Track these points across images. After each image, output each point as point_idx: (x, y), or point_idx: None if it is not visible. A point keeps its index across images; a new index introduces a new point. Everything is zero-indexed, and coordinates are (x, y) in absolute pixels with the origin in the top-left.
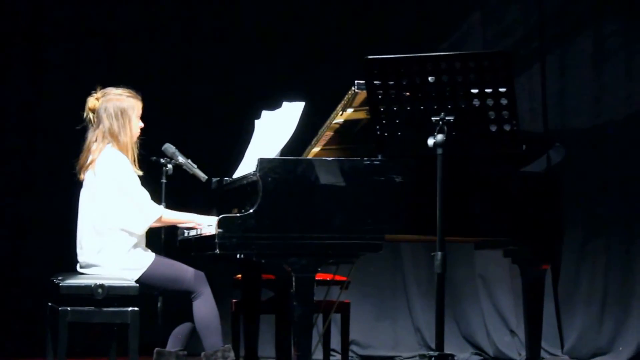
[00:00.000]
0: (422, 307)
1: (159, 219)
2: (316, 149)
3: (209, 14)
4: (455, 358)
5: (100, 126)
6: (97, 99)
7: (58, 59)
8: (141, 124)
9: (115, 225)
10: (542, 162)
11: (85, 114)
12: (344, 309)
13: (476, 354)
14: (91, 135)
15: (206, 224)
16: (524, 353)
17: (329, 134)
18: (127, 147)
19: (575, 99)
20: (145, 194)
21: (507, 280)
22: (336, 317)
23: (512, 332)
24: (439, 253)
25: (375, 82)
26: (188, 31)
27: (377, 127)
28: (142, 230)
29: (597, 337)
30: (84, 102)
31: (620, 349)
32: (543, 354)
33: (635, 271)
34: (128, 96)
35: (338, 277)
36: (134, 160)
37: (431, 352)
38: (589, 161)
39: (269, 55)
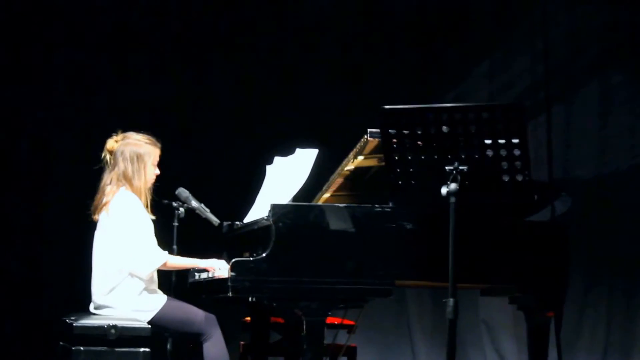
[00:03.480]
0: (426, 351)
1: (164, 265)
2: (326, 195)
3: (223, 57)
4: None
5: (116, 169)
6: (117, 141)
7: (70, 103)
8: (157, 171)
9: (124, 267)
10: (548, 211)
11: (103, 155)
12: (351, 353)
13: None
14: (106, 177)
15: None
16: None
17: (339, 180)
18: (140, 192)
19: (580, 149)
20: (151, 239)
21: (510, 326)
22: None
23: None
24: (451, 299)
25: (390, 130)
26: (201, 74)
27: (391, 175)
28: (145, 274)
29: None
30: (95, 144)
31: None
32: None
33: (637, 321)
34: (146, 142)
35: (346, 322)
36: (147, 205)
37: None
38: (593, 211)
39: (284, 102)
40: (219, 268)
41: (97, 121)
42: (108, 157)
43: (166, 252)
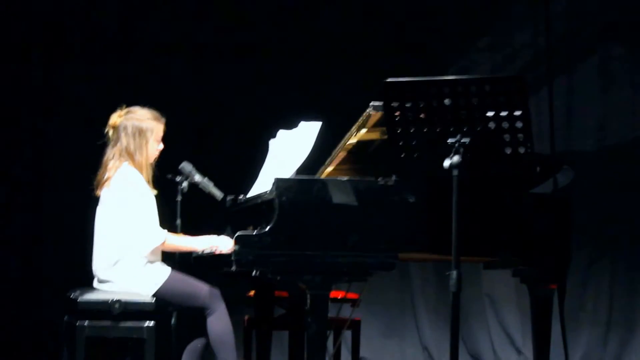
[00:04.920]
0: (430, 325)
1: (163, 244)
2: (329, 169)
3: (227, 33)
4: None
5: (119, 144)
6: (120, 116)
7: (73, 77)
8: (160, 147)
9: (126, 242)
10: (550, 183)
11: (106, 130)
12: (355, 327)
13: None
14: (109, 152)
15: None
16: None
17: (342, 154)
18: (141, 167)
19: (582, 122)
20: (152, 217)
21: (513, 299)
22: (346, 335)
23: (518, 350)
24: (454, 272)
25: (393, 104)
26: (205, 49)
27: (394, 148)
28: (143, 253)
29: (602, 357)
30: (98, 118)
31: None
32: None
33: None
34: (149, 118)
35: (350, 295)
36: (149, 181)
37: None
38: (595, 183)
39: (287, 75)
40: (220, 247)
41: (101, 94)
42: (111, 132)
43: (165, 231)
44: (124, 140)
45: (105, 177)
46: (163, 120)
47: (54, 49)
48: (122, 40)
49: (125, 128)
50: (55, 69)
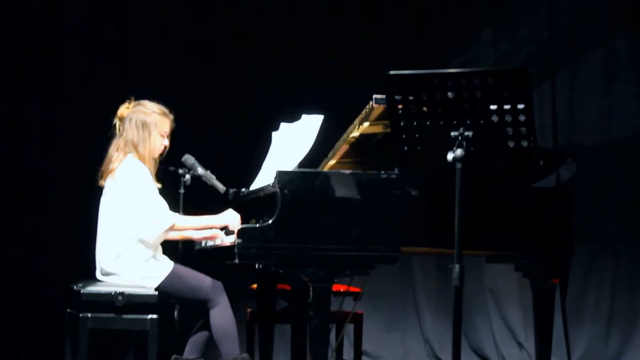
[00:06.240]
0: (432, 318)
1: (173, 227)
2: (332, 162)
3: (229, 26)
4: None
5: (124, 135)
6: (127, 108)
7: (75, 68)
8: (166, 142)
9: (131, 233)
10: (553, 177)
11: (114, 121)
12: (357, 320)
13: None
14: (115, 143)
15: (223, 223)
16: None
17: (345, 147)
18: (144, 160)
19: (585, 115)
20: (159, 202)
21: (515, 293)
22: (348, 328)
23: (520, 344)
24: (457, 265)
25: (395, 97)
26: (208, 42)
27: (397, 141)
28: (153, 237)
29: (604, 351)
30: (101, 111)
31: None
32: None
33: None
34: (155, 112)
35: (352, 289)
36: (152, 175)
37: None
38: (598, 177)
39: (288, 68)
40: (229, 222)
41: (106, 83)
42: (118, 123)
43: (176, 214)
44: (128, 132)
45: (110, 167)
46: (170, 116)
47: (53, 46)
48: (124, 35)
49: (130, 120)
50: (55, 65)
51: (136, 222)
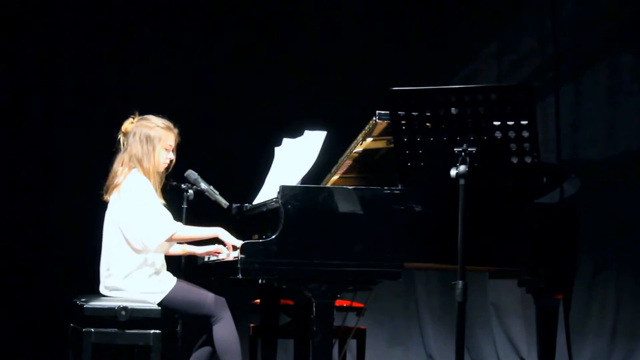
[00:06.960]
0: (435, 334)
1: (175, 234)
2: (335, 177)
3: (231, 41)
4: None
5: (128, 150)
6: (132, 122)
7: (74, 86)
8: (171, 157)
9: (135, 247)
10: (557, 193)
11: (119, 136)
12: (360, 335)
13: None
14: (119, 157)
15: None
16: None
17: (348, 162)
18: (149, 174)
19: (589, 130)
20: (163, 212)
21: (518, 308)
22: (351, 344)
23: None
24: (460, 282)
25: (399, 112)
26: (210, 59)
27: (400, 157)
28: (155, 245)
29: None
30: (100, 126)
31: None
32: None
33: None
34: (159, 126)
35: (355, 304)
36: (157, 190)
37: None
38: (601, 192)
39: (292, 83)
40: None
41: (106, 102)
42: (122, 138)
43: (179, 223)
44: (133, 147)
45: (115, 182)
46: (175, 130)
47: (57, 55)
48: (125, 48)
49: (134, 134)
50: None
51: (138, 229)
